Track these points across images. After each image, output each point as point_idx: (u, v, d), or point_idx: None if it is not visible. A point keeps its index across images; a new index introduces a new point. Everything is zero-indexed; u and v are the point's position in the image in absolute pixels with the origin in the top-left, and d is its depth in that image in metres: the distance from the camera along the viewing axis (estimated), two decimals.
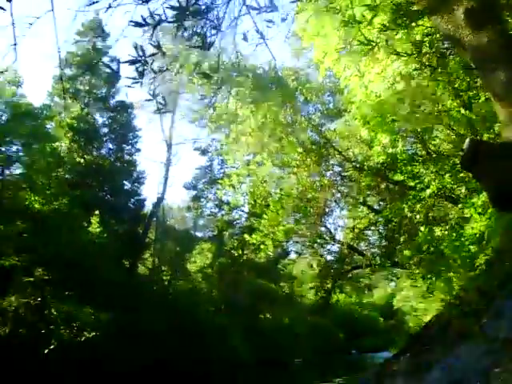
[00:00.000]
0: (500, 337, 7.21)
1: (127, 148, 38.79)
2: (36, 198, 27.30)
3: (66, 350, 22.79)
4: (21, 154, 28.63)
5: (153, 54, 6.65)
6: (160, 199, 40.75)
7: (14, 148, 28.48)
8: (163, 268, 41.57)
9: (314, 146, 23.38)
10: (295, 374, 38.32)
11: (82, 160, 34.87)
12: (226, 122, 28.12)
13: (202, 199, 45.52)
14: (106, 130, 38.36)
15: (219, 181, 32.12)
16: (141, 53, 6.45)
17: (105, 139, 38.18)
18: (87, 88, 36.63)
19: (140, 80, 6.58)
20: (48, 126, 31.44)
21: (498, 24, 9.06)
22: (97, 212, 30.62)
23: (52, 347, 22.86)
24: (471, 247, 14.37)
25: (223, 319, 35.66)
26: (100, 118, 38.41)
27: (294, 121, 23.96)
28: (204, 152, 43.20)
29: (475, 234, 14.05)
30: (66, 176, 33.13)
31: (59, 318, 24.28)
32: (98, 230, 30.02)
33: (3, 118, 28.42)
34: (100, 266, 27.08)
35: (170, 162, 41.50)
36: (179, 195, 60.69)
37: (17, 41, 5.97)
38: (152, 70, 6.81)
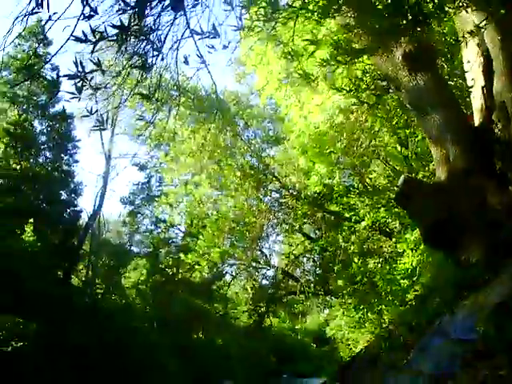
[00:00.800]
0: (424, 371, 7.24)
1: (65, 158, 37.81)
2: None
3: None
4: None
5: (92, 71, 6.47)
6: (96, 211, 39.76)
7: None
8: (97, 281, 40.67)
9: (252, 171, 23.29)
10: None
11: (18, 166, 33.87)
12: (165, 140, 27.87)
13: (139, 215, 44.78)
14: (44, 138, 37.35)
15: (157, 198, 31.67)
16: (80, 68, 6.26)
17: (42, 147, 37.13)
18: (26, 94, 35.63)
19: (78, 96, 6.39)
20: None
21: (433, 69, 9.21)
22: (31, 220, 29.63)
23: None
24: (403, 282, 14.50)
25: (156, 337, 35.03)
26: (38, 126, 37.40)
27: (234, 144, 23.87)
28: (142, 168, 42.57)
29: (407, 269, 14.19)
30: (1, 181, 32.04)
31: None
32: (31, 238, 29.08)
33: None
34: (32, 276, 26.22)
35: (109, 175, 40.71)
36: (116, 209, 59.69)
37: None
38: (91, 86, 6.62)
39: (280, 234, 27.79)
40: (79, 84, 6.24)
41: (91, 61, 6.42)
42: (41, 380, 22.85)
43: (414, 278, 13.97)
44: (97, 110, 6.85)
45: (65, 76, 6.28)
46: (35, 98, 36.13)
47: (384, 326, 15.04)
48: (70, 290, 34.23)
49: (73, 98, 6.32)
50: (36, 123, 36.69)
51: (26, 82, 33.45)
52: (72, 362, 25.05)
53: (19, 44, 34.71)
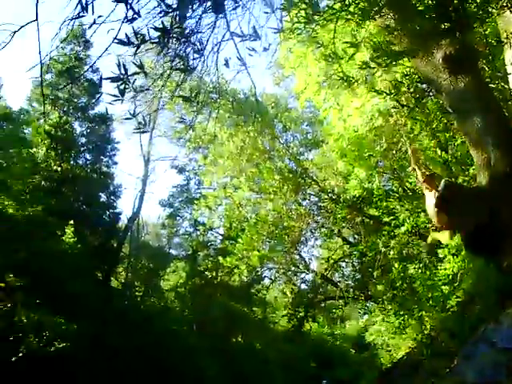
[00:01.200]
0: (467, 380, 7.11)
1: (105, 160, 38.21)
2: (10, 202, 26.69)
3: (34, 360, 22.11)
4: None
5: (134, 73, 6.53)
6: (135, 214, 40.17)
7: None
8: (136, 283, 41.04)
9: (291, 175, 23.21)
10: None
11: (59, 168, 34.30)
12: (204, 143, 27.99)
13: (178, 218, 44.98)
14: (84, 140, 37.79)
15: (196, 201, 31.78)
16: (123, 71, 6.33)
17: (82, 149, 37.55)
18: (67, 96, 36.08)
19: (121, 98, 6.46)
20: (25, 131, 30.84)
21: (474, 71, 9.03)
22: (71, 222, 29.91)
23: (20, 355, 22.12)
24: (444, 288, 14.29)
25: (195, 340, 35.11)
26: (78, 128, 37.85)
27: (272, 148, 23.84)
28: (181, 171, 42.78)
29: (448, 275, 13.97)
30: (42, 183, 32.46)
31: (29, 327, 23.65)
32: (71, 240, 29.38)
33: None
34: (72, 277, 26.51)
35: (147, 177, 41.07)
36: (155, 211, 60.02)
37: None
38: (133, 88, 6.68)
39: (319, 239, 27.68)
40: (122, 86, 6.30)
41: (134, 63, 6.50)
42: (81, 381, 23.14)
43: (456, 284, 13.76)
44: (139, 113, 6.92)
45: (108, 78, 6.36)
46: (75, 100, 36.68)
47: (426, 332, 14.85)
48: (109, 291, 34.60)
49: (116, 100, 6.39)
50: (76, 125, 37.21)
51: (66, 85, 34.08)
52: (111, 364, 25.32)
53: (61, 47, 35.26)
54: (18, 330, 23.14)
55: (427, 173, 9.93)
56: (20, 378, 20.75)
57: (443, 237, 8.95)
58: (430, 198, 9.31)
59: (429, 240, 9.31)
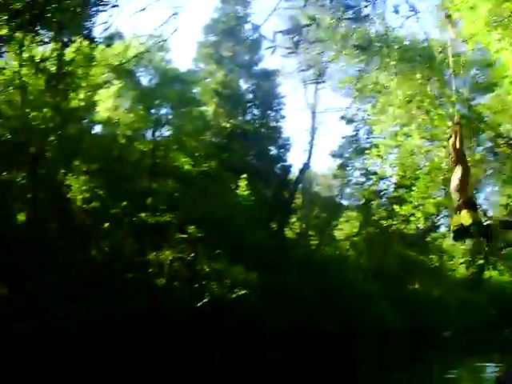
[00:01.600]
0: None
1: (272, 114, 39.06)
2: (185, 159, 28.23)
3: (218, 306, 23.57)
4: (170, 116, 29.74)
5: (307, 25, 6.81)
6: (306, 166, 40.81)
7: (163, 111, 29.64)
8: (310, 233, 41.91)
9: (463, 120, 22.33)
10: (445, 344, 37.37)
11: (228, 125, 35.56)
12: (372, 92, 27.63)
13: (348, 168, 45.04)
14: (250, 96, 38.78)
15: (366, 151, 31.63)
16: (296, 24, 6.63)
17: (249, 105, 38.58)
18: (231, 54, 37.04)
19: (295, 50, 6.80)
20: (194, 91, 32.22)
21: None
22: (244, 175, 30.95)
23: (205, 300, 23.66)
24: None
25: (371, 287, 35.42)
26: (244, 85, 38.91)
27: (442, 94, 23.01)
28: (350, 121, 42.52)
29: None
30: (213, 139, 33.82)
31: (211, 275, 25.15)
32: (245, 192, 30.48)
33: (153, 82, 29.54)
34: (248, 228, 27.65)
35: (315, 129, 41.38)
36: (324, 163, 60.56)
37: (175, 11, 6.34)
38: (307, 41, 6.96)
39: (496, 185, 26.54)
40: (296, 39, 6.54)
41: (307, 16, 6.69)
42: (260, 326, 24.32)
43: None
44: (313, 65, 7.13)
45: (282, 31, 6.62)
46: (239, 58, 37.61)
47: None
48: (284, 241, 35.74)
49: (291, 52, 6.69)
50: (241, 82, 38.25)
51: (229, 44, 35.02)
52: (291, 311, 26.27)
53: (222, 8, 36.22)
54: (201, 278, 24.84)
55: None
56: (205, 322, 22.36)
57: (465, 219, 8.05)
58: (455, 173, 8.56)
59: (452, 226, 8.39)
